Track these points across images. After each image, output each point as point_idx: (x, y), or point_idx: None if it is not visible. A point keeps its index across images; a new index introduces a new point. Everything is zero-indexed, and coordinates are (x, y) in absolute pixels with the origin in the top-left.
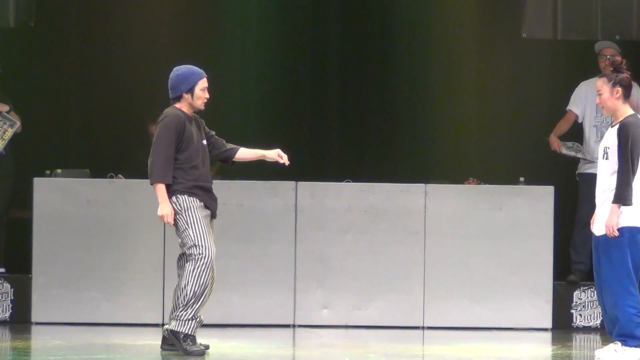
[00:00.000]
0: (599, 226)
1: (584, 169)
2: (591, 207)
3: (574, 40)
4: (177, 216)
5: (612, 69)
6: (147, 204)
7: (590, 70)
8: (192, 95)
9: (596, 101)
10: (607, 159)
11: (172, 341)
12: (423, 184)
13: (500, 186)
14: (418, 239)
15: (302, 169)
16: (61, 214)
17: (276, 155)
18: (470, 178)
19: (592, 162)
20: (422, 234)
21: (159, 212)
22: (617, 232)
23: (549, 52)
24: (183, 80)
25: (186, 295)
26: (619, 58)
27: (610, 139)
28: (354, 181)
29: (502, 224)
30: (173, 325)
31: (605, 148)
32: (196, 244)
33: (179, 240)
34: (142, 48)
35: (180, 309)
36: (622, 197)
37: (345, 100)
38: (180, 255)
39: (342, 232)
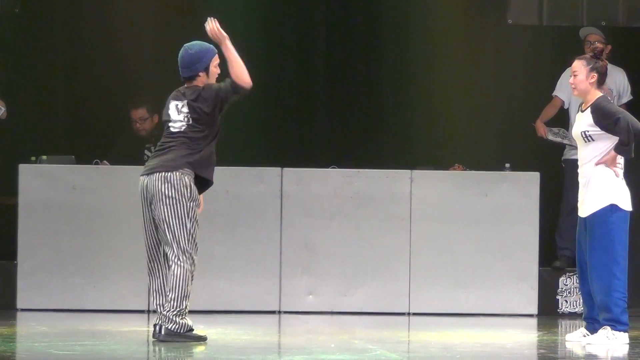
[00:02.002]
0: (584, 208)
1: (569, 155)
2: (576, 193)
3: (560, 26)
4: (181, 201)
5: (592, 54)
6: (133, 190)
7: (576, 56)
8: (207, 74)
9: (570, 80)
10: (591, 141)
11: (171, 339)
12: (409, 170)
13: (485, 172)
14: (404, 225)
15: (287, 155)
16: (46, 200)
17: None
18: (456, 164)
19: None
20: (407, 220)
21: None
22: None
23: (535, 38)
24: (198, 59)
25: (179, 297)
26: (600, 45)
27: (585, 122)
28: (339, 167)
29: (488, 210)
30: (171, 327)
31: (584, 132)
32: (190, 242)
33: (165, 226)
34: (127, 35)
35: (174, 311)
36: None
37: (331, 87)
38: (158, 251)
39: (327, 218)
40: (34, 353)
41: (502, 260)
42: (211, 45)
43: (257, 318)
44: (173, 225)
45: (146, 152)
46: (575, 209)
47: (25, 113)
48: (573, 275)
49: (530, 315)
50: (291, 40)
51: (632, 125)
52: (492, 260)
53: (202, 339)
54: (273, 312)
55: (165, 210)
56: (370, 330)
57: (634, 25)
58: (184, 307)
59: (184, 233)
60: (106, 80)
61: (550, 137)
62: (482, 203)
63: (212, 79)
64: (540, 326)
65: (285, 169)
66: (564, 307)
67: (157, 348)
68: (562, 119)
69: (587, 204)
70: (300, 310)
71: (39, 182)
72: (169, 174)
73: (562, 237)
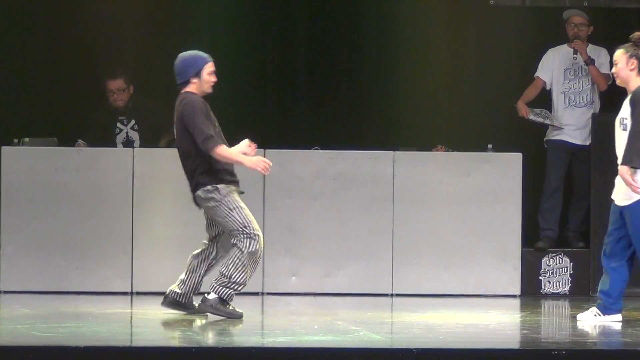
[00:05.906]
0: (619, 196)
1: (552, 135)
2: (559, 174)
3: (542, 7)
4: (218, 204)
5: (631, 42)
6: (115, 171)
7: (558, 37)
8: (200, 79)
9: (612, 70)
10: (625, 129)
11: (202, 309)
12: (391, 151)
13: (468, 153)
14: (386, 206)
15: (270, 137)
16: (29, 182)
17: (255, 164)
18: (439, 145)
19: (560, 128)
20: (390, 201)
21: (251, 165)
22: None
23: (517, 19)
24: (190, 65)
25: (232, 271)
26: (638, 33)
27: (625, 110)
28: (322, 149)
29: (470, 190)
30: (211, 292)
31: (622, 119)
32: (246, 224)
33: (221, 228)
34: (109, 15)
35: (224, 279)
36: (627, 159)
37: (313, 68)
38: (203, 249)
39: (310, 199)
40: (16, 335)
41: (485, 241)
42: (204, 54)
43: (240, 299)
44: (224, 223)
45: (119, 124)
46: (557, 189)
47: (7, 95)
48: (556, 256)
49: (513, 296)
50: (273, 20)
51: (630, 144)
52: (475, 241)
53: (237, 316)
54: (256, 294)
55: (214, 213)
56: (353, 312)
57: (616, 6)
58: (235, 280)
59: (236, 224)
60: (88, 62)
61: (532, 117)
62: (464, 184)
63: (205, 85)
64: (523, 307)
65: (268, 151)
66: (547, 288)
67: (140, 329)
68: (544, 100)
69: (619, 194)
70: (283, 292)
71: (22, 164)
72: (196, 195)
73: (544, 218)
